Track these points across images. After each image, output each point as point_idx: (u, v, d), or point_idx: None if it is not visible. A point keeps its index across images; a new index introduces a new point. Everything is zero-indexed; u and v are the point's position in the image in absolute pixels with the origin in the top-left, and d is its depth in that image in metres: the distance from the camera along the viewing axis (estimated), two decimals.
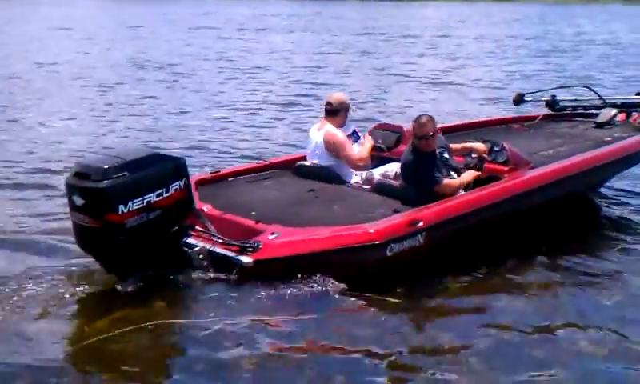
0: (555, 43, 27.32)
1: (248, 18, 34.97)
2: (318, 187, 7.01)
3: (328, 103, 7.48)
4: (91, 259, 5.98)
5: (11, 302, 5.62)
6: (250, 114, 14.28)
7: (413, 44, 26.79)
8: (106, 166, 5.49)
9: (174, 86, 17.32)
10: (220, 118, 13.81)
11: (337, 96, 7.63)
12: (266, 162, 7.91)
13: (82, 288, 5.89)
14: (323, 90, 16.56)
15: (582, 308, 5.95)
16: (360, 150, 7.45)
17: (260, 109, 14.81)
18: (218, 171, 7.53)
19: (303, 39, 28.00)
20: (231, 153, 10.94)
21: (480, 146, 7.35)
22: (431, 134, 6.75)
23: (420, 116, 6.91)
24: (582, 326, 5.60)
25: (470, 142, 7.54)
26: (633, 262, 6.98)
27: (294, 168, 7.53)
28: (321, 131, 7.41)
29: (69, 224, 5.96)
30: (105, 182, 5.43)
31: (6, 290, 5.78)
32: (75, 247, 6.04)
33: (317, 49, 25.11)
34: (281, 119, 13.90)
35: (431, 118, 6.83)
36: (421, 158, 6.79)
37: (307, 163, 7.51)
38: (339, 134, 7.36)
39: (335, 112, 7.43)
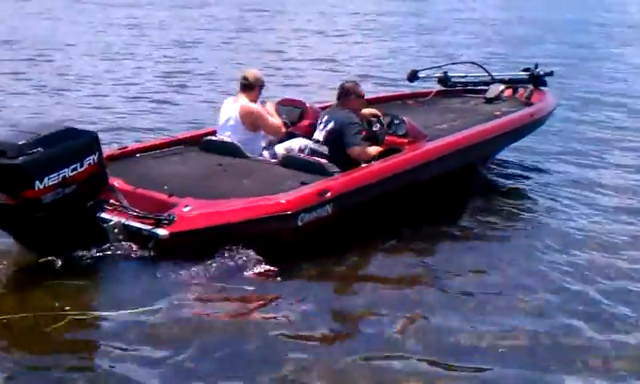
0: (426, 21, 28.02)
1: None
2: (226, 162, 7.15)
3: (244, 78, 7.63)
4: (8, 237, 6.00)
5: None
6: (126, 91, 14.00)
7: (289, 20, 26.87)
8: (20, 142, 5.49)
9: (42, 65, 16.62)
10: (95, 95, 13.47)
11: (253, 72, 7.78)
12: (173, 138, 8.00)
13: None
14: (196, 65, 16.69)
15: (471, 271, 6.43)
16: (275, 120, 7.69)
17: (135, 85, 14.54)
18: (126, 147, 7.57)
19: (176, 14, 27.54)
20: (115, 129, 10.76)
21: (371, 110, 7.75)
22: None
23: (347, 80, 7.78)
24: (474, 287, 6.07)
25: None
26: (516, 226, 7.58)
27: (201, 143, 7.63)
28: (236, 104, 7.57)
29: None
30: (20, 158, 5.42)
31: None
32: None
33: (189, 24, 24.84)
34: (160, 96, 13.67)
35: None
36: (354, 120, 7.29)
37: (214, 138, 7.63)
38: (257, 106, 7.57)
39: (251, 87, 7.59)
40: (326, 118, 7.40)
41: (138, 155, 7.42)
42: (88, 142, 5.91)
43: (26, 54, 17.52)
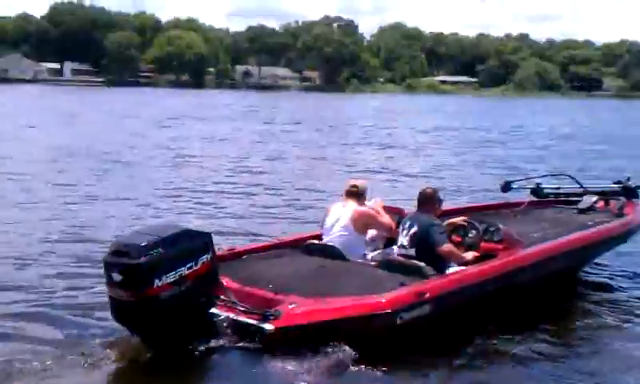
0: (492, 135, 28.72)
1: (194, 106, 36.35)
2: (329, 263, 7.51)
3: (354, 186, 8.12)
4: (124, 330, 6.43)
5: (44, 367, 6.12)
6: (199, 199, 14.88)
7: (366, 134, 28.06)
8: (143, 244, 5.98)
9: (116, 175, 17.98)
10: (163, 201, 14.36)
11: (362, 182, 8.31)
12: (277, 241, 8.46)
13: (111, 357, 6.32)
14: (270, 177, 17.73)
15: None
16: (386, 218, 8.10)
17: (214, 193, 15.58)
18: (234, 248, 8.03)
19: (238, 126, 29.05)
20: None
21: (457, 219, 8.12)
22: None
23: (426, 187, 8.00)
24: None
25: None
26: (606, 334, 7.58)
27: (304, 246, 8.03)
28: (346, 208, 7.99)
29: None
30: (142, 258, 5.90)
31: (39, 358, 6.27)
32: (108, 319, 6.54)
33: (250, 137, 26.19)
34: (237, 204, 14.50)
35: None
36: (435, 221, 7.63)
37: (316, 242, 8.04)
38: (369, 209, 8.04)
39: (360, 195, 8.07)
40: (408, 223, 7.75)
41: (244, 256, 7.85)
42: (203, 242, 6.37)
43: (105, 167, 18.93)
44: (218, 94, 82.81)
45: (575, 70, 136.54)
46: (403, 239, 7.71)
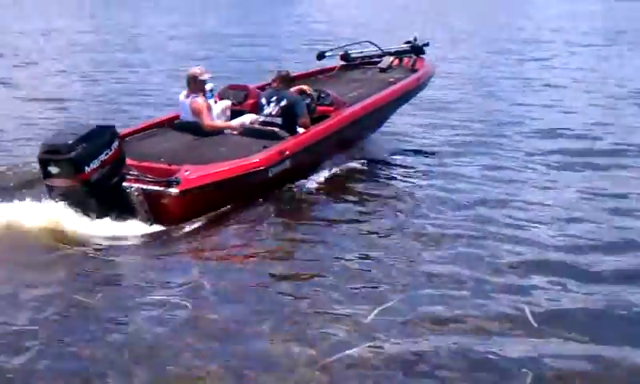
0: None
1: None
2: (200, 137, 9.15)
3: (188, 76, 9.45)
4: None
5: None
6: None
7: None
8: (69, 141, 7.55)
9: None
10: None
11: (190, 71, 9.55)
12: (149, 122, 9.92)
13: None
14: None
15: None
16: (215, 121, 9.51)
17: None
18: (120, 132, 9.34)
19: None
20: None
21: (294, 88, 9.84)
22: None
23: (281, 69, 9.85)
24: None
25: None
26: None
27: (174, 125, 9.54)
28: (188, 99, 9.43)
29: None
30: (72, 152, 7.51)
31: None
32: None
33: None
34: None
35: None
36: (299, 98, 9.46)
37: (184, 120, 9.51)
38: (199, 102, 9.35)
39: (189, 84, 9.42)
40: (275, 97, 9.37)
41: (127, 138, 9.12)
42: (111, 133, 7.97)
43: None
44: None
45: None
46: (270, 109, 9.31)
